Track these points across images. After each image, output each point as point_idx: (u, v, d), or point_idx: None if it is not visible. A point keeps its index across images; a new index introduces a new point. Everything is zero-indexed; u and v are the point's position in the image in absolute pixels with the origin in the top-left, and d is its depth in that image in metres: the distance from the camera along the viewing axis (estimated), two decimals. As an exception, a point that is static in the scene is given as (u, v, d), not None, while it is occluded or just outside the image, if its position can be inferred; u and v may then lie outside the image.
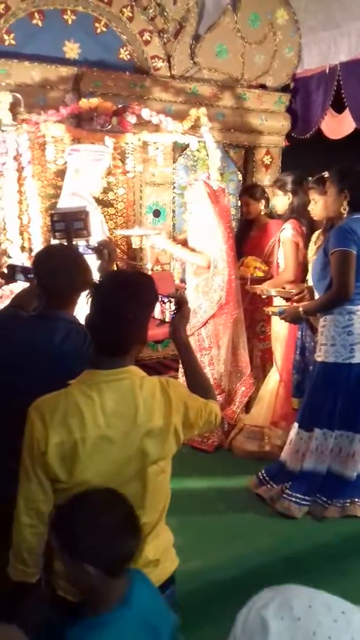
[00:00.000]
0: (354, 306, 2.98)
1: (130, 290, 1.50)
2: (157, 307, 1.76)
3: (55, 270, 1.93)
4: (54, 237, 2.53)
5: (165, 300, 1.78)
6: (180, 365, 4.07)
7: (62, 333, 1.89)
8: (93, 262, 2.25)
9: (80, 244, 2.38)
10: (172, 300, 1.79)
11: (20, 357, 1.91)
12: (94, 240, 2.45)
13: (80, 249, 2.28)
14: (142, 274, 1.65)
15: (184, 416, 1.57)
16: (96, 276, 2.16)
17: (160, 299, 1.76)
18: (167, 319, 1.79)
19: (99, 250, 2.29)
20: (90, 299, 1.52)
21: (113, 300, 1.49)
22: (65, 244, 2.42)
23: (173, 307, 1.78)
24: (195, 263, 3.98)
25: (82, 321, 2.00)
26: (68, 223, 2.41)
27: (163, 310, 1.79)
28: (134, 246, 4.30)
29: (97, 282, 1.60)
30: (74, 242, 2.41)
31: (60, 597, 1.52)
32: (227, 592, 2.58)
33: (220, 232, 3.81)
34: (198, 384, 1.75)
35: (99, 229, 3.44)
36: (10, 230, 3.82)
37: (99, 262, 2.30)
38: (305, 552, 2.87)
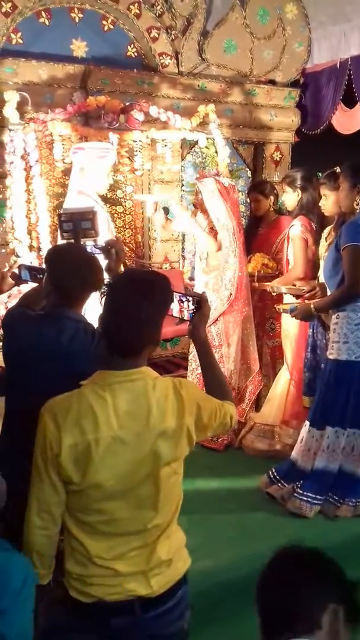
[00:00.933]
0: (368, 303, 2.94)
1: (143, 290, 1.48)
2: (176, 306, 1.75)
3: (70, 268, 1.92)
4: (62, 237, 2.52)
5: (184, 299, 1.75)
6: (189, 364, 4.08)
7: (69, 332, 1.88)
8: (101, 261, 2.24)
9: (88, 243, 2.36)
10: (191, 299, 1.76)
11: (28, 357, 1.90)
12: (101, 240, 2.43)
13: (88, 249, 2.26)
14: (157, 273, 1.61)
15: (197, 417, 1.54)
16: (104, 276, 2.14)
17: (179, 298, 1.75)
18: (185, 318, 1.77)
19: (106, 249, 2.27)
20: (103, 299, 1.50)
21: (126, 300, 1.46)
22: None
23: (192, 306, 1.76)
24: (207, 246, 3.95)
25: (95, 321, 2.00)
26: (76, 223, 2.40)
27: (182, 309, 1.77)
28: (147, 214, 4.22)
29: (111, 281, 1.58)
30: (82, 242, 2.39)
31: (72, 599, 1.50)
32: (238, 592, 2.55)
33: (232, 226, 3.78)
34: (215, 384, 1.73)
35: (105, 228, 3.43)
36: (18, 229, 3.82)
37: (107, 261, 2.28)
38: (317, 551, 2.83)
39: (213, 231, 3.92)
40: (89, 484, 1.42)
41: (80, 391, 1.48)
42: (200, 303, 1.76)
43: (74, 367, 1.77)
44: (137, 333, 1.47)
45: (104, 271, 2.24)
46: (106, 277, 2.11)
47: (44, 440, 1.45)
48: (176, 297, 1.75)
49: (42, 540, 1.50)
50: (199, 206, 4.01)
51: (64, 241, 2.51)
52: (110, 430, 1.43)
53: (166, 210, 4.80)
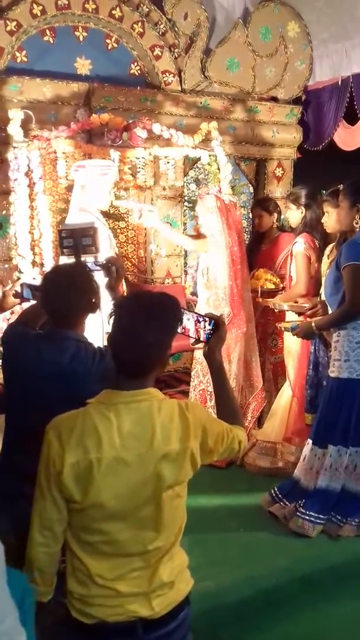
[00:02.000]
0: (369, 320, 2.94)
1: (152, 313, 1.48)
2: (192, 326, 1.75)
3: (55, 292, 1.92)
4: (62, 254, 2.53)
5: (201, 319, 1.75)
6: (192, 380, 4.07)
7: (70, 352, 1.88)
8: (101, 278, 2.25)
9: (88, 260, 2.37)
10: (208, 319, 1.76)
11: (28, 376, 1.90)
12: (102, 257, 2.44)
13: (89, 266, 2.27)
14: (165, 294, 1.60)
15: (202, 441, 1.53)
16: (104, 293, 2.15)
17: (195, 318, 1.74)
18: (202, 339, 1.76)
19: (106, 267, 2.28)
20: (111, 319, 1.50)
21: (134, 322, 1.46)
22: (74, 260, 2.42)
23: (208, 327, 1.75)
24: (183, 244, 4.14)
25: (95, 340, 2.00)
26: (76, 239, 2.41)
27: (197, 329, 1.75)
28: (135, 221, 4.24)
29: (118, 302, 1.58)
30: (82, 259, 2.40)
31: (74, 619, 1.50)
32: (239, 614, 2.55)
33: (224, 244, 3.79)
34: (226, 408, 1.72)
35: (106, 244, 3.44)
36: (21, 246, 3.83)
37: (107, 279, 2.29)
38: (320, 572, 2.81)
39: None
40: (90, 503, 1.42)
41: (85, 410, 1.49)
42: (218, 325, 1.76)
43: (74, 387, 1.77)
44: (145, 355, 1.47)
45: (106, 288, 2.25)
46: (107, 294, 2.11)
47: (48, 457, 1.45)
48: (193, 317, 1.75)
49: (43, 557, 1.50)
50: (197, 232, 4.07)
51: (65, 258, 2.52)
52: (113, 451, 1.42)
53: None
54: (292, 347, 3.78)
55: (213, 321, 1.76)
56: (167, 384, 4.96)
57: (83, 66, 4.54)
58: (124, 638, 1.49)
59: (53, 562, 1.53)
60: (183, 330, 1.78)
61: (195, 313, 1.78)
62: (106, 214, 4.22)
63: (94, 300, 1.97)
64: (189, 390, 4.14)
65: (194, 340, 1.79)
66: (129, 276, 4.81)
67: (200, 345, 1.79)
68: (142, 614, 1.48)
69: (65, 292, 1.90)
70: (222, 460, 3.75)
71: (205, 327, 1.75)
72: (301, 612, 2.63)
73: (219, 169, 4.41)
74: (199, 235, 4.08)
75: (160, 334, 1.47)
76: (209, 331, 1.75)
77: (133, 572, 1.48)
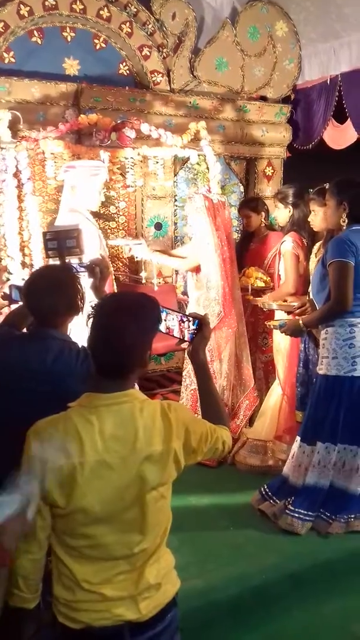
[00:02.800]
0: (355, 318, 2.95)
1: (130, 314, 1.48)
2: (177, 326, 1.75)
3: (37, 293, 1.93)
4: (47, 256, 2.54)
5: (185, 319, 1.75)
6: (184, 380, 4.07)
7: (54, 352, 1.88)
8: (86, 280, 2.25)
9: (73, 261, 2.37)
10: (191, 319, 1.76)
11: (13, 377, 1.90)
12: (87, 258, 2.44)
13: (73, 268, 2.27)
14: (144, 295, 1.60)
15: (185, 441, 1.53)
16: (89, 294, 2.15)
17: (180, 318, 1.75)
18: (186, 338, 1.76)
19: (91, 268, 2.28)
20: (90, 321, 1.50)
21: (112, 323, 1.46)
22: (58, 262, 2.42)
23: (192, 327, 1.75)
24: (177, 267, 4.11)
25: (81, 340, 2.00)
26: (61, 241, 2.41)
27: (182, 329, 1.76)
28: (125, 255, 4.27)
29: (97, 304, 1.57)
30: (67, 260, 2.40)
31: (61, 625, 1.49)
32: (228, 612, 2.55)
33: (214, 245, 3.80)
34: (211, 408, 1.72)
35: (97, 244, 3.44)
36: (10, 247, 3.83)
37: (92, 280, 2.29)
38: (309, 569, 2.82)
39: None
40: (75, 508, 1.41)
41: (66, 414, 1.47)
42: (202, 324, 1.76)
43: (59, 386, 1.77)
44: (124, 356, 1.47)
45: (90, 289, 2.25)
46: (91, 296, 2.11)
47: None
48: (177, 317, 1.76)
49: (27, 564, 1.49)
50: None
51: (50, 260, 2.52)
52: (96, 454, 1.41)
53: (158, 226, 4.84)
54: (282, 345, 3.79)
55: (197, 321, 1.76)
56: (159, 383, 4.97)
57: (71, 66, 4.53)
58: None
59: (37, 569, 1.51)
60: (167, 330, 1.79)
61: (179, 313, 1.78)
62: (97, 214, 4.23)
63: (77, 301, 1.97)
64: (180, 390, 4.15)
65: (179, 340, 1.79)
66: (120, 276, 4.82)
67: (185, 344, 1.80)
68: (128, 617, 1.47)
69: (48, 293, 1.91)
70: (213, 459, 3.76)
71: (189, 326, 1.76)
72: (291, 609, 2.63)
73: (208, 168, 4.42)
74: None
75: (138, 334, 1.47)
76: (193, 331, 1.75)
77: (119, 576, 1.48)
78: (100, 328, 1.48)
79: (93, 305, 1.54)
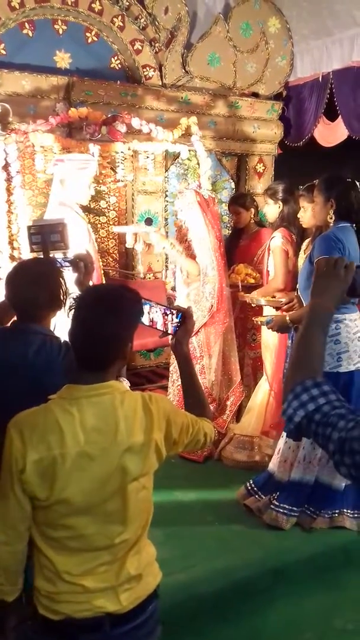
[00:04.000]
0: (341, 315, 2.96)
1: (109, 306, 1.47)
2: (160, 319, 1.75)
3: (18, 286, 1.92)
4: (31, 250, 2.52)
5: (169, 312, 1.75)
6: (170, 375, 4.08)
7: (35, 346, 1.88)
8: (71, 275, 2.24)
9: (57, 256, 2.36)
10: (175, 312, 1.76)
11: None
12: (76, 251, 2.43)
13: (57, 262, 2.26)
14: (125, 287, 1.60)
15: (167, 433, 1.53)
16: (73, 289, 2.14)
17: (163, 311, 1.75)
18: (169, 331, 1.76)
19: (75, 263, 2.27)
20: (71, 313, 1.50)
21: (92, 315, 1.46)
22: (42, 256, 2.41)
23: (176, 320, 1.75)
24: (188, 270, 3.96)
25: (66, 335, 1.99)
26: (45, 235, 2.40)
27: (165, 322, 1.76)
28: (127, 245, 4.24)
29: (78, 295, 1.57)
30: (51, 255, 2.39)
31: (41, 616, 1.49)
32: (212, 606, 2.56)
33: (209, 240, 3.80)
34: (193, 400, 1.73)
35: (85, 238, 3.43)
36: (-1, 240, 3.82)
37: (76, 275, 2.28)
38: (293, 563, 2.84)
39: (190, 249, 3.93)
40: (56, 499, 1.41)
41: (47, 406, 1.47)
42: (185, 317, 1.76)
43: (40, 381, 1.77)
44: (104, 348, 1.47)
45: (75, 284, 2.25)
46: (76, 290, 2.10)
47: (10, 455, 1.43)
48: (160, 309, 1.75)
49: (7, 556, 1.48)
50: (179, 239, 4.03)
51: (34, 254, 2.51)
52: (77, 446, 1.41)
53: (149, 221, 4.83)
54: (270, 341, 3.80)
55: (180, 313, 1.76)
56: (148, 379, 4.98)
57: (62, 59, 4.52)
58: (91, 634, 1.48)
59: (18, 561, 1.51)
60: (151, 322, 1.78)
61: (163, 306, 1.77)
62: (87, 209, 4.22)
63: (59, 295, 1.96)
64: (168, 385, 4.15)
65: (162, 332, 1.80)
66: (110, 271, 4.81)
67: (169, 337, 1.80)
68: (109, 609, 1.47)
69: (29, 286, 1.90)
70: (199, 454, 3.79)
71: (172, 319, 1.76)
72: (274, 603, 2.65)
73: (198, 164, 4.42)
74: (178, 233, 4.06)
75: (119, 327, 1.47)
76: (176, 324, 1.75)
77: (100, 567, 1.48)
78: (80, 320, 1.47)
79: (74, 298, 1.54)
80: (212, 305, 3.84)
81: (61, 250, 2.42)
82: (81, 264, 2.26)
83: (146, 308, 1.76)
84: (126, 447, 1.45)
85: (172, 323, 1.76)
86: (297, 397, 1.15)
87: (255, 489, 3.21)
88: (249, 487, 3.24)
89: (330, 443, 1.09)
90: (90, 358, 1.48)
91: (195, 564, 2.73)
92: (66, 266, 2.25)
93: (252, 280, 4.15)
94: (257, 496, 3.18)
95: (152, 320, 1.79)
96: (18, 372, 1.84)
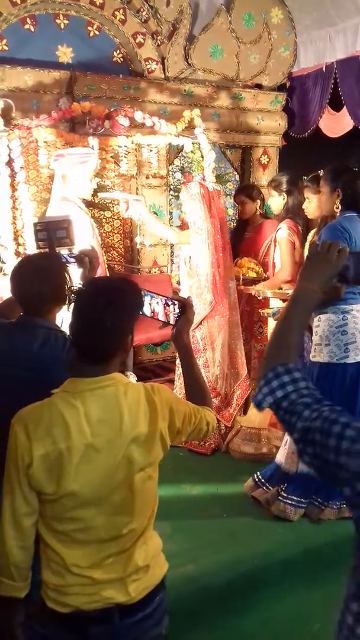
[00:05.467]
0: (348, 305, 2.95)
1: (109, 298, 1.47)
2: (162, 310, 1.75)
3: (24, 280, 1.93)
4: (38, 247, 2.53)
5: (170, 303, 1.76)
6: (177, 368, 4.07)
7: (40, 340, 1.88)
8: (76, 270, 2.25)
9: (63, 252, 2.37)
10: (176, 303, 1.76)
11: (1, 365, 1.89)
12: (79, 247, 2.44)
13: (63, 258, 2.27)
14: (126, 280, 1.60)
15: (170, 422, 1.54)
16: (79, 285, 2.14)
17: (164, 302, 1.75)
18: (171, 322, 1.77)
19: (80, 258, 2.28)
20: (72, 306, 1.50)
21: (92, 307, 1.46)
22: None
23: (177, 310, 1.76)
24: (168, 237, 4.07)
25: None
26: (50, 232, 2.41)
27: (167, 312, 1.77)
28: (124, 215, 4.19)
29: (78, 289, 1.57)
30: (57, 251, 2.40)
31: (50, 609, 1.49)
32: (220, 598, 2.56)
33: (207, 232, 3.79)
34: (195, 390, 1.74)
35: (89, 233, 3.43)
36: (3, 236, 3.81)
37: (81, 270, 2.29)
38: (301, 555, 2.83)
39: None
40: (64, 493, 1.41)
41: (51, 400, 1.47)
42: (185, 308, 1.76)
43: (46, 375, 1.77)
44: (104, 340, 1.47)
45: (80, 280, 2.25)
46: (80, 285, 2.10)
47: (15, 450, 1.43)
48: (162, 300, 1.76)
49: (17, 551, 1.48)
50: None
51: (39, 250, 2.52)
52: (83, 438, 1.42)
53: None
54: (276, 333, 3.78)
55: (181, 304, 1.76)
56: (155, 373, 4.98)
57: (65, 54, 4.51)
58: (101, 625, 1.48)
59: (28, 556, 1.51)
60: (152, 313, 1.79)
61: (164, 296, 1.78)
62: (91, 204, 4.22)
63: (64, 289, 1.97)
64: (174, 379, 4.15)
65: (163, 323, 1.80)
66: (115, 266, 4.81)
67: (170, 328, 1.80)
68: (118, 599, 1.48)
69: (34, 280, 1.91)
70: (207, 447, 3.80)
71: (174, 310, 1.76)
72: (282, 595, 2.64)
73: (202, 156, 4.40)
74: (184, 226, 4.07)
75: (119, 319, 1.46)
76: (177, 314, 1.76)
77: (108, 559, 1.48)
78: (80, 312, 1.48)
79: (74, 291, 1.54)
80: (211, 299, 3.84)
81: (67, 247, 2.42)
82: (86, 259, 2.26)
83: (147, 299, 1.76)
84: (131, 438, 1.46)
85: (173, 313, 1.76)
86: (268, 383, 1.15)
87: (262, 480, 3.21)
88: (257, 479, 3.24)
89: (294, 431, 1.10)
90: (91, 350, 1.48)
91: (203, 556, 2.73)
92: (71, 262, 2.25)
93: (254, 274, 4.13)
94: (264, 488, 3.18)
95: (153, 311, 1.79)
96: (22, 366, 1.85)
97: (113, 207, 4.79)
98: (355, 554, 1.07)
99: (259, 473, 3.26)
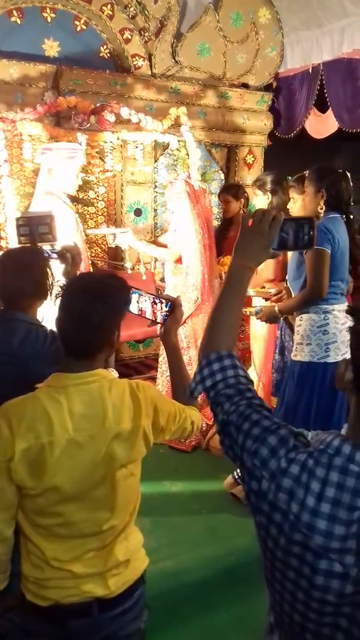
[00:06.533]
0: (330, 305, 2.97)
1: (96, 293, 1.47)
2: (149, 307, 1.75)
3: (4, 274, 1.92)
4: (19, 242, 2.52)
5: (158, 301, 1.76)
6: (160, 366, 4.08)
7: (21, 334, 1.87)
8: (58, 266, 2.24)
9: (45, 248, 2.36)
10: (164, 301, 1.76)
11: None
12: (64, 242, 2.43)
13: (45, 253, 2.26)
14: (112, 276, 1.60)
15: (154, 419, 1.54)
16: (61, 280, 2.14)
17: (152, 300, 1.75)
18: (158, 320, 1.77)
19: (62, 254, 2.27)
20: (58, 302, 1.50)
21: (78, 303, 1.46)
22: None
23: (165, 309, 1.76)
24: (160, 257, 4.01)
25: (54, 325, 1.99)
26: (33, 227, 2.40)
27: (155, 311, 1.77)
28: (110, 244, 4.25)
29: (65, 284, 1.57)
30: (39, 246, 2.38)
31: (29, 603, 1.49)
32: (198, 593, 2.58)
33: (195, 231, 3.80)
34: (181, 388, 1.74)
35: (73, 228, 3.41)
36: (-14, 230, 3.78)
37: (63, 266, 2.28)
38: (279, 552, 2.85)
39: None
40: (45, 487, 1.41)
41: (34, 394, 1.47)
42: (174, 306, 1.76)
43: (26, 369, 1.76)
44: (91, 336, 1.47)
45: (62, 275, 2.24)
46: (63, 281, 2.10)
47: None
48: (150, 299, 1.76)
49: None
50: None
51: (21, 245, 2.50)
52: (66, 434, 1.42)
53: (138, 212, 4.82)
54: (259, 332, 3.81)
55: (169, 303, 1.76)
56: (137, 370, 4.98)
57: (51, 48, 4.48)
58: (80, 619, 1.49)
59: (6, 548, 1.50)
60: (140, 311, 1.79)
61: (152, 295, 1.78)
62: (75, 199, 4.19)
63: (45, 284, 1.96)
64: (157, 376, 4.16)
65: (151, 321, 1.80)
66: (98, 262, 4.79)
67: (158, 326, 1.80)
68: (97, 593, 1.48)
69: (15, 274, 1.90)
70: (187, 444, 3.81)
71: (162, 308, 1.76)
72: (260, 591, 2.61)
73: (188, 154, 4.40)
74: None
75: (106, 315, 1.47)
76: (165, 313, 1.76)
77: (89, 553, 1.48)
78: (67, 307, 1.48)
79: (61, 286, 1.54)
80: (197, 297, 3.84)
81: (49, 243, 2.41)
82: (68, 255, 2.26)
83: (135, 297, 1.76)
84: (114, 434, 1.46)
85: (161, 312, 1.76)
86: (200, 371, 1.16)
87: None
88: (236, 477, 3.26)
89: (217, 422, 1.12)
90: (77, 346, 1.48)
91: (182, 552, 2.76)
92: (53, 257, 2.24)
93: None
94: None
95: (140, 309, 1.79)
96: (3, 360, 1.84)
97: (97, 203, 4.78)
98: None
99: (238, 470, 3.28)
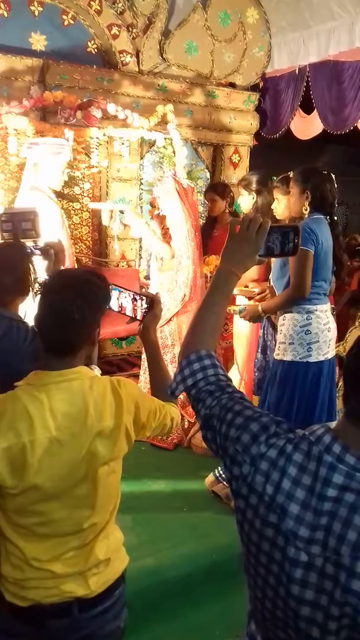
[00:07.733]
0: (313, 305, 3.00)
1: (76, 290, 1.46)
2: (129, 304, 1.75)
3: None
4: (2, 238, 2.50)
5: (138, 298, 1.75)
6: (142, 363, 4.08)
7: (1, 331, 1.85)
8: (41, 262, 2.23)
9: (28, 244, 2.34)
10: (144, 298, 1.76)
11: None
12: (48, 239, 2.42)
13: (28, 249, 2.25)
14: (93, 272, 1.59)
15: (135, 416, 1.54)
16: (43, 276, 2.13)
17: (132, 296, 1.75)
18: (138, 317, 1.76)
19: (45, 250, 2.26)
20: (37, 298, 1.49)
21: (59, 300, 1.45)
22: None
23: (145, 306, 1.75)
24: (162, 253, 3.96)
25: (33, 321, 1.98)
26: (16, 223, 2.38)
27: (135, 308, 1.76)
28: (104, 223, 4.20)
29: (45, 280, 1.55)
30: (22, 242, 2.37)
31: (8, 603, 1.49)
32: (179, 590, 2.59)
33: (186, 229, 3.80)
34: (160, 385, 1.73)
35: (58, 224, 3.39)
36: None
37: (46, 262, 2.27)
38: (259, 549, 2.87)
39: (167, 235, 3.93)
40: (26, 486, 1.40)
41: (14, 393, 1.45)
42: (153, 303, 1.76)
43: (6, 366, 1.75)
44: (71, 333, 1.46)
45: (45, 272, 2.23)
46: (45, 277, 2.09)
47: None
48: (130, 295, 1.76)
49: None
50: (154, 208, 4.02)
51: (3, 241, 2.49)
52: (47, 432, 1.41)
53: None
54: (242, 331, 3.83)
55: (148, 299, 1.77)
56: (120, 367, 4.97)
57: (38, 41, 4.44)
58: (60, 619, 1.48)
59: None
60: (120, 308, 1.78)
61: (132, 291, 1.78)
62: (61, 195, 4.17)
63: (27, 280, 1.95)
64: (139, 374, 4.15)
65: (130, 318, 1.80)
66: (83, 258, 4.77)
67: (137, 323, 1.80)
68: (77, 593, 1.48)
69: None
70: (169, 442, 3.81)
71: (142, 305, 1.76)
72: (240, 588, 2.64)
73: (174, 152, 4.40)
74: (158, 217, 4.04)
75: (87, 312, 1.45)
76: (145, 310, 1.76)
77: (69, 552, 1.48)
78: (47, 304, 1.46)
79: (40, 283, 1.52)
80: (185, 295, 3.84)
81: (32, 239, 2.40)
82: (52, 252, 2.25)
83: (115, 294, 1.76)
84: (96, 431, 1.45)
85: (141, 309, 1.76)
86: (181, 371, 1.18)
87: (223, 476, 3.24)
88: (217, 475, 3.27)
89: (199, 418, 1.15)
90: (57, 343, 1.47)
91: (163, 549, 2.75)
92: (37, 253, 2.23)
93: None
94: (224, 483, 3.21)
95: (121, 306, 1.79)
96: None
97: (82, 199, 4.75)
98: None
99: (219, 468, 3.29)
